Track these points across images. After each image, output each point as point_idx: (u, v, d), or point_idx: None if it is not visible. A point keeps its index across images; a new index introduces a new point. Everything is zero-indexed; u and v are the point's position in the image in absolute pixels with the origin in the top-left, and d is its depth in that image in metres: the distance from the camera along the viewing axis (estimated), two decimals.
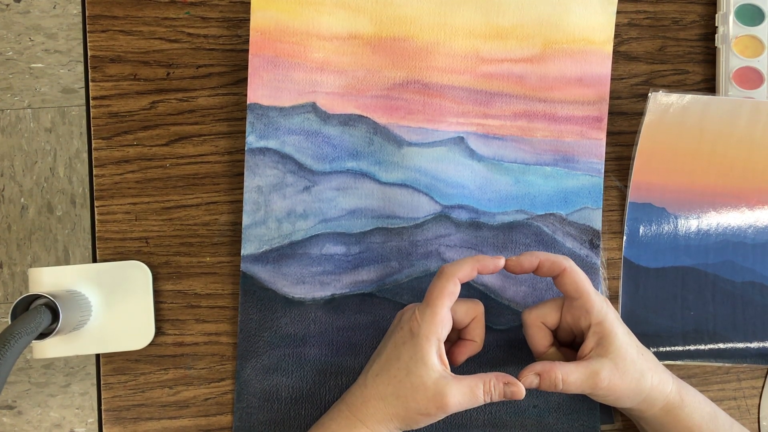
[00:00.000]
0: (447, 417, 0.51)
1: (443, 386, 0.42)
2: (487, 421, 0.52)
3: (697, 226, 0.55)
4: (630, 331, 0.47)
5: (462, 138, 0.53)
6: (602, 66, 0.54)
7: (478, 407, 0.51)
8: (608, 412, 0.53)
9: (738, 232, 0.55)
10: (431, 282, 0.45)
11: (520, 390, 0.43)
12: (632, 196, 0.55)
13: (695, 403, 0.47)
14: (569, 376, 0.43)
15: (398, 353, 0.44)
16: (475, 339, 0.47)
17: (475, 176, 0.53)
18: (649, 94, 0.51)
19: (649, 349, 0.48)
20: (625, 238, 0.55)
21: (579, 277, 0.46)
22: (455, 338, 0.48)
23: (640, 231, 0.55)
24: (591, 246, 0.54)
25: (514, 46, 0.53)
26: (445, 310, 0.44)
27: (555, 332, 0.49)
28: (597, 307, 0.45)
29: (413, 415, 0.43)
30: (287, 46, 0.51)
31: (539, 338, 0.48)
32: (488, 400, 0.43)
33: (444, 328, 0.44)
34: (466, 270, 0.44)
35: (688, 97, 0.51)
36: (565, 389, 0.43)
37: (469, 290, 0.52)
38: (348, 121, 0.52)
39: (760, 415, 0.55)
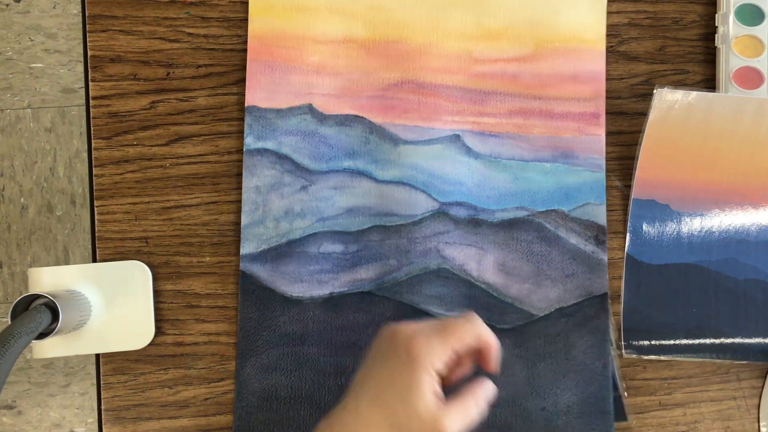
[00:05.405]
0: None
1: (441, 416, 0.41)
2: (492, 423, 0.51)
3: (701, 223, 0.55)
4: None
5: (458, 136, 0.53)
6: (596, 63, 0.54)
7: None
8: (621, 411, 0.53)
9: (741, 229, 0.55)
10: (453, 319, 0.43)
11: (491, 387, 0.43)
12: (636, 192, 0.55)
13: None
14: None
15: (392, 380, 0.42)
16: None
17: (472, 173, 0.53)
18: (655, 91, 0.51)
19: (651, 344, 0.47)
20: (628, 234, 0.55)
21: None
22: None
23: (644, 228, 0.55)
24: (597, 242, 0.53)
25: (506, 47, 0.53)
26: (455, 353, 0.42)
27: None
28: None
29: None
30: (284, 51, 0.52)
31: None
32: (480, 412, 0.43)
33: (445, 364, 0.42)
34: (491, 346, 0.44)
35: (694, 94, 0.51)
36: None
37: (470, 288, 0.52)
38: (344, 121, 0.52)
39: (760, 415, 0.55)
